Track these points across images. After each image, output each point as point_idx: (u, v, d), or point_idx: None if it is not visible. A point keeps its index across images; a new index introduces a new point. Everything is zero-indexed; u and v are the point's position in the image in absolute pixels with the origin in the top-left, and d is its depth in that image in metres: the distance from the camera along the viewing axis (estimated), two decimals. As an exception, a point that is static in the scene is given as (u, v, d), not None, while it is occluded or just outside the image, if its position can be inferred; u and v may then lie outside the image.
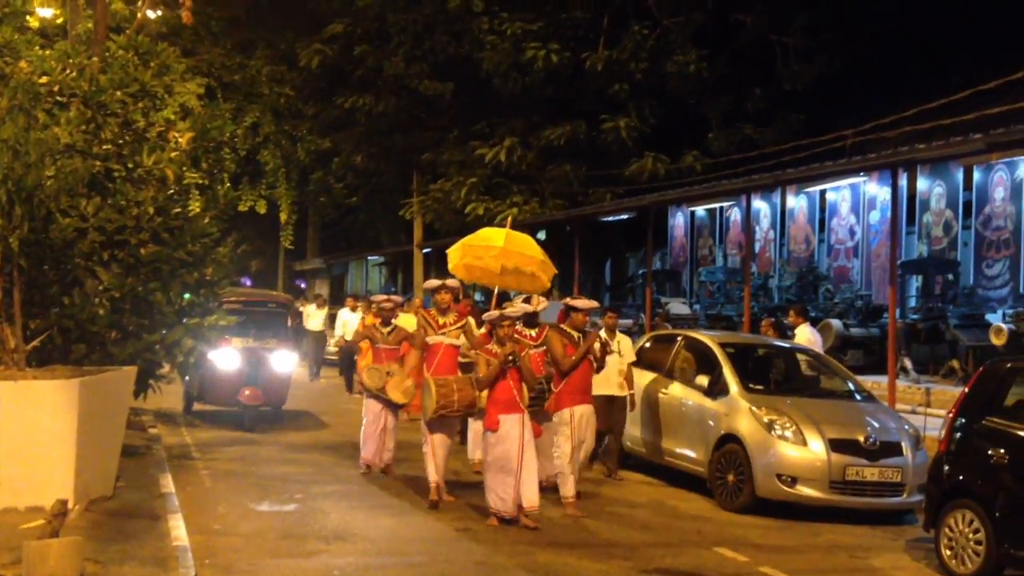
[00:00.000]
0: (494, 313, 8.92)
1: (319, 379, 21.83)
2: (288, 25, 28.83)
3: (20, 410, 7.75)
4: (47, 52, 11.02)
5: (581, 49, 24.15)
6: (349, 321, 19.12)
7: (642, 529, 9.00)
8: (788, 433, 9.76)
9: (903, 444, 9.90)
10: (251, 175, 33.94)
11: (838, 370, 11.72)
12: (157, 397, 10.79)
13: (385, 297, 11.48)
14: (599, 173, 24.93)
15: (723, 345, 11.18)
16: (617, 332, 11.35)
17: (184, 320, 10.01)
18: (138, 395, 10.09)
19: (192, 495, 9.34)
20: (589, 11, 24.57)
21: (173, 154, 10.38)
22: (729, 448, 10.10)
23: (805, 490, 9.61)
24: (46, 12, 19.24)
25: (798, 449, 9.68)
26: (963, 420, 8.18)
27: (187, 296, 10.23)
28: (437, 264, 32.85)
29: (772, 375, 11.60)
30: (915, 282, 19.98)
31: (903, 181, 16.45)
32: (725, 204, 25.45)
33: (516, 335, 9.04)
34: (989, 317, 17.18)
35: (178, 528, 7.68)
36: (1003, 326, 15.05)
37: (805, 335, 12.61)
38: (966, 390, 8.44)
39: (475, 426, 10.12)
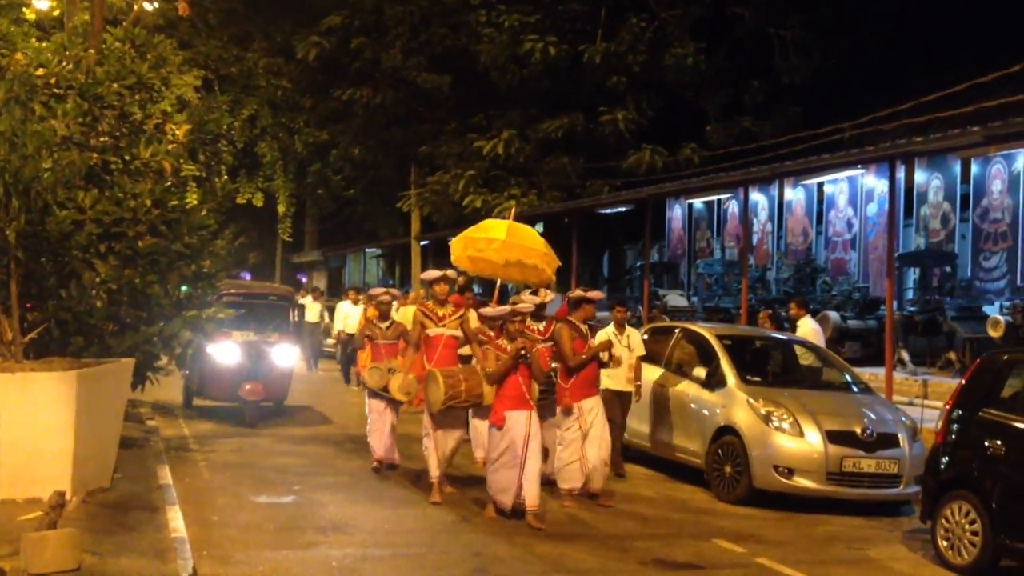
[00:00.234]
0: (505, 308, 8.80)
1: (316, 370, 21.83)
2: (285, 17, 28.77)
3: (18, 402, 7.74)
4: (44, 44, 11.01)
5: (579, 42, 24.11)
6: (351, 314, 19.10)
7: (640, 521, 9.01)
8: (785, 425, 9.78)
9: (900, 436, 9.92)
10: (248, 167, 33.91)
11: (835, 362, 11.74)
12: (155, 389, 10.79)
13: (384, 291, 11.40)
14: (597, 166, 24.92)
15: (721, 337, 11.19)
16: (626, 326, 11.12)
17: (182, 312, 10.00)
18: (136, 387, 10.10)
19: (190, 487, 9.35)
20: (587, 3, 24.51)
21: (170, 146, 10.37)
22: (726, 440, 10.11)
23: (802, 481, 9.63)
24: (43, 4, 19.22)
25: (795, 441, 9.70)
26: (960, 412, 8.20)
27: (185, 288, 10.22)
28: (435, 256, 32.83)
29: (769, 367, 11.61)
30: (912, 274, 20.01)
31: (901, 174, 16.47)
32: (723, 196, 25.46)
33: (525, 330, 8.95)
34: (986, 309, 17.21)
35: (176, 520, 7.68)
36: (1000, 318, 15.08)
37: (808, 327, 12.66)
38: (963, 382, 8.46)
39: (478, 424, 9.79)
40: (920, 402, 13.05)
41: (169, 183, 10.25)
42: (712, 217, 26.99)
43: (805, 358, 11.84)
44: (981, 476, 7.75)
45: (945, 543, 7.93)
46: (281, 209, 35.71)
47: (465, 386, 9.00)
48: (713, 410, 10.43)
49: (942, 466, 8.19)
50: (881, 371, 14.26)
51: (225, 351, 13.39)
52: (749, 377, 10.60)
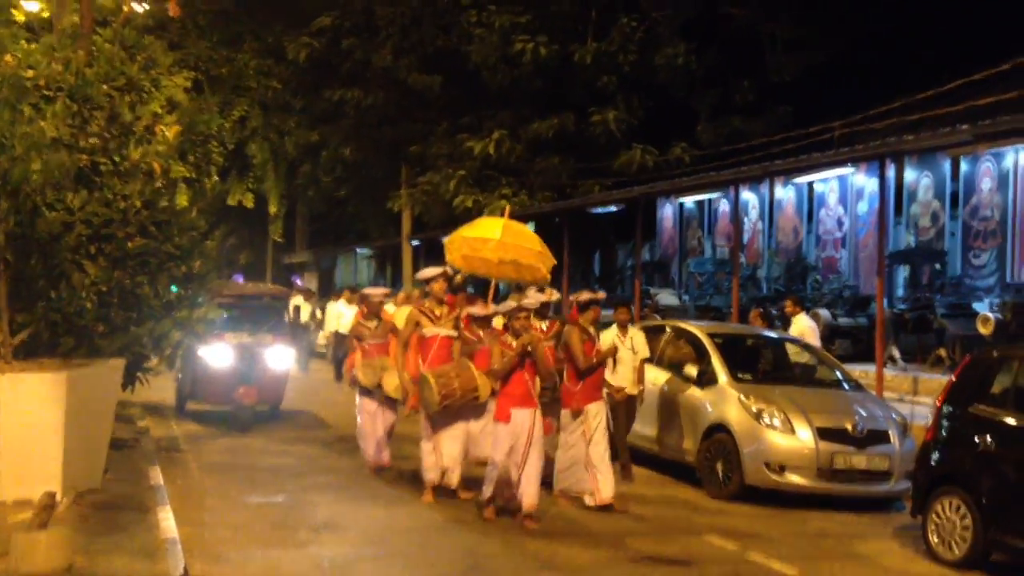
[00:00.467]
0: (510, 304, 8.71)
1: (307, 372, 21.79)
2: (276, 18, 28.74)
3: (7, 403, 7.72)
4: (33, 46, 10.95)
5: (569, 42, 24.14)
6: (344, 314, 19.07)
7: (632, 518, 9.02)
8: (776, 422, 9.80)
9: (891, 432, 9.95)
10: (239, 168, 33.84)
11: (826, 359, 11.77)
12: (145, 390, 10.77)
13: (384, 292, 11.33)
14: (588, 165, 24.94)
15: (712, 335, 11.20)
16: (630, 327, 10.92)
17: (172, 313, 9.97)
18: (126, 388, 10.07)
19: (181, 487, 9.33)
20: (577, 4, 24.54)
21: (160, 148, 10.33)
22: (718, 437, 10.13)
23: (793, 478, 9.66)
24: (32, 6, 19.15)
25: (786, 437, 9.72)
26: (950, 408, 8.24)
27: (175, 289, 10.19)
28: (427, 256, 32.78)
29: (761, 365, 11.62)
30: (903, 272, 20.08)
31: (891, 172, 16.52)
32: (714, 196, 25.51)
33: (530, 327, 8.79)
34: (976, 306, 17.28)
35: (167, 520, 7.66)
36: (990, 315, 15.14)
37: (803, 324, 12.76)
38: (953, 378, 8.49)
39: (471, 426, 9.47)
40: (910, 399, 13.10)
41: (159, 184, 10.21)
42: (703, 216, 27.05)
43: (796, 356, 11.87)
44: (971, 472, 7.78)
45: (936, 538, 7.96)
46: (272, 210, 35.67)
47: (458, 383, 8.90)
48: (704, 408, 10.44)
49: (932, 462, 8.23)
50: (872, 368, 14.30)
51: (218, 354, 13.13)
52: (740, 375, 10.63)
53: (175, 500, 8.49)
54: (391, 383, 9.93)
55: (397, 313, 13.44)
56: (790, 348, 11.98)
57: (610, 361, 9.85)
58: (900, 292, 19.63)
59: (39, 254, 9.18)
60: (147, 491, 8.74)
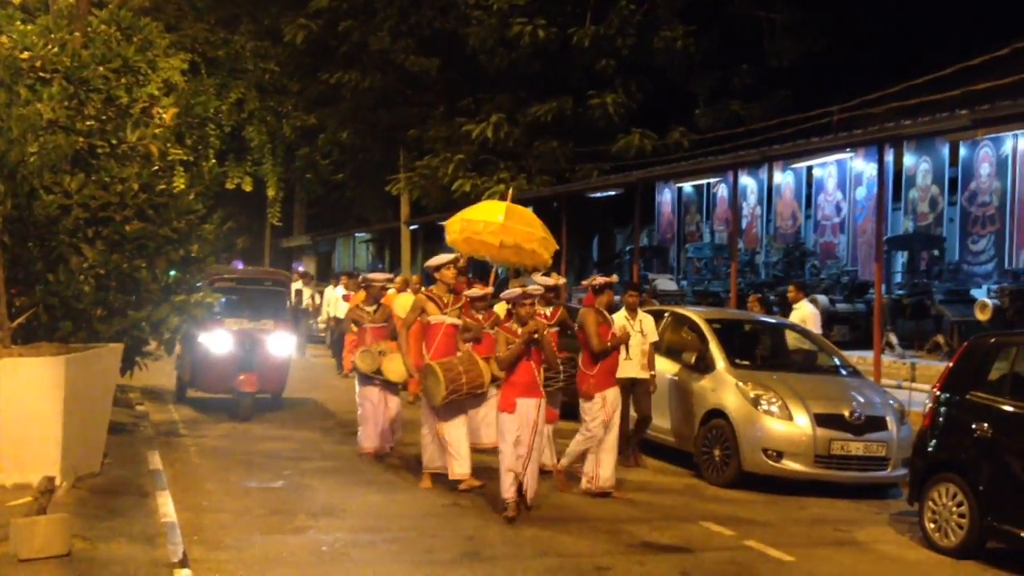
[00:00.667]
0: (516, 291, 8.55)
1: (305, 356, 21.79)
2: (272, 0, 28.56)
3: (6, 387, 7.71)
4: (29, 27, 10.90)
5: (568, 24, 24.03)
6: (342, 299, 19.02)
7: (629, 504, 9.03)
8: (774, 408, 9.81)
9: (888, 419, 9.97)
10: (236, 152, 33.70)
11: (824, 345, 11.78)
12: (144, 374, 10.77)
13: (386, 277, 11.28)
14: (586, 149, 24.88)
15: (710, 321, 11.19)
16: (639, 311, 10.73)
17: (170, 297, 9.96)
18: (125, 372, 10.08)
19: (180, 472, 9.34)
20: (576, -14, 24.46)
21: (157, 130, 10.31)
22: (715, 423, 10.14)
23: (791, 464, 9.68)
24: (27, -13, 19.00)
25: (784, 424, 9.73)
26: (948, 395, 8.25)
27: (173, 273, 10.17)
28: (425, 241, 32.73)
29: (758, 351, 11.63)
30: (901, 258, 20.06)
31: (889, 157, 16.47)
32: (712, 180, 25.47)
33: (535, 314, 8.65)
34: (974, 292, 17.29)
35: (166, 505, 7.68)
36: (988, 301, 15.15)
37: (806, 310, 12.80)
38: (951, 365, 8.50)
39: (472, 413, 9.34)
40: (908, 385, 13.11)
41: (156, 167, 10.20)
42: (701, 201, 27.00)
43: (794, 342, 11.87)
44: (968, 459, 7.79)
45: (932, 525, 7.98)
46: (270, 193, 35.53)
47: (466, 378, 8.74)
48: (702, 394, 10.45)
49: (930, 449, 8.24)
50: (869, 354, 14.32)
51: (218, 340, 12.85)
52: (738, 361, 10.63)
53: (174, 485, 8.50)
54: (391, 368, 9.89)
55: (397, 299, 13.41)
56: (788, 334, 11.98)
57: (621, 346, 9.80)
58: (898, 278, 19.62)
59: (36, 237, 9.18)
60: (146, 476, 8.75)
